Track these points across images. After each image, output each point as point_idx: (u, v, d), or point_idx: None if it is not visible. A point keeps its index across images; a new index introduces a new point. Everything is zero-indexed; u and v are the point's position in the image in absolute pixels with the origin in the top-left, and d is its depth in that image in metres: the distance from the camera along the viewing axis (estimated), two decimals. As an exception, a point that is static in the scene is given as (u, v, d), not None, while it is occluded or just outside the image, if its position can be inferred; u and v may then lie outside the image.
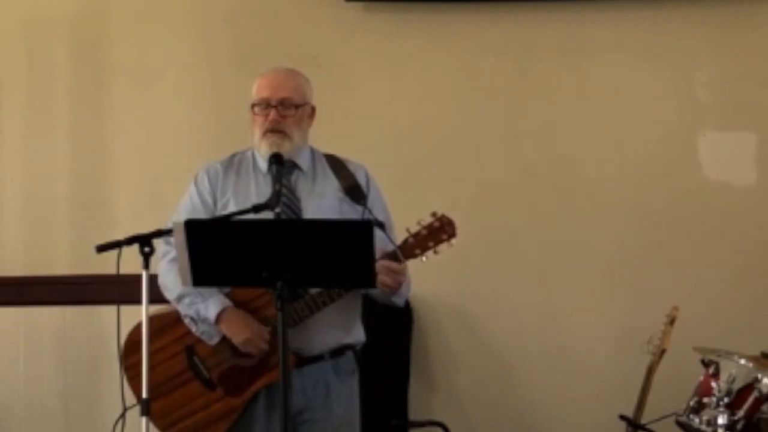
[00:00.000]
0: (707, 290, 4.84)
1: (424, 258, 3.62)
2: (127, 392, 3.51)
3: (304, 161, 3.76)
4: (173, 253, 3.62)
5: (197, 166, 3.84)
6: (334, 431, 3.69)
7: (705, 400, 3.96)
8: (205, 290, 3.61)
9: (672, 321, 4.32)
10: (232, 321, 3.62)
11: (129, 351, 3.64)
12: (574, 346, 4.90)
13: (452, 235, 3.62)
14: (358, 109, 4.97)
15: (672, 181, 4.91)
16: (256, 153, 3.76)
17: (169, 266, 3.70)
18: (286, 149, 3.67)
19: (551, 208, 4.92)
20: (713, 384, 3.96)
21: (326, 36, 4.97)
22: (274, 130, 3.67)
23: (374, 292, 3.66)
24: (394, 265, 3.56)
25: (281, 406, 3.25)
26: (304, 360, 3.63)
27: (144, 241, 3.38)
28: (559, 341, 4.91)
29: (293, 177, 3.72)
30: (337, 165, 3.79)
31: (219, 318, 3.62)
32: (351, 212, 3.69)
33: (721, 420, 3.89)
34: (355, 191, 3.72)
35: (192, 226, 3.27)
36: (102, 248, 3.43)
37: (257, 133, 3.70)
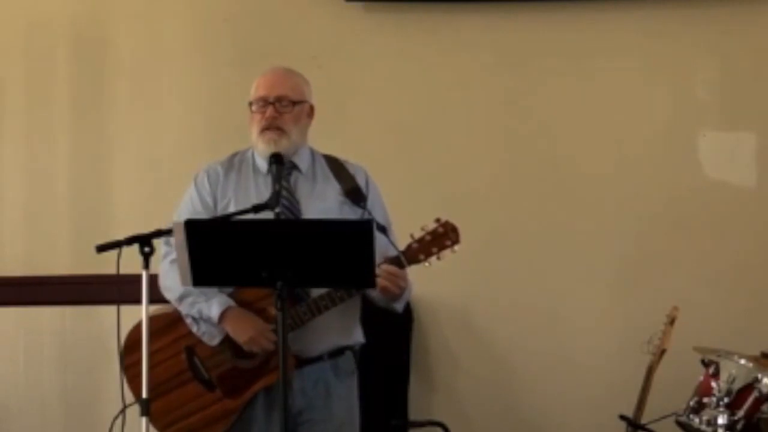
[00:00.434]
0: (707, 290, 4.84)
1: (427, 264, 3.62)
2: (126, 392, 3.51)
3: (303, 162, 3.76)
4: (174, 254, 3.62)
5: (197, 166, 3.84)
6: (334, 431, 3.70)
7: (705, 400, 3.96)
8: (207, 290, 3.61)
9: (672, 321, 4.32)
10: (236, 320, 3.62)
11: (128, 351, 3.64)
12: (574, 346, 4.90)
13: (456, 241, 3.62)
14: (358, 109, 4.96)
15: (672, 181, 4.91)
16: (255, 153, 3.76)
17: (170, 267, 3.70)
18: (283, 146, 3.67)
19: (551, 208, 4.92)
20: (713, 384, 3.96)
21: (326, 36, 4.97)
22: (271, 127, 3.67)
23: (374, 297, 3.66)
24: (395, 269, 3.56)
25: (281, 407, 3.25)
26: (303, 361, 3.63)
27: (144, 241, 3.38)
28: (559, 341, 4.91)
29: (292, 178, 3.72)
30: (336, 166, 3.78)
31: (222, 317, 3.62)
32: (351, 215, 3.69)
33: (721, 420, 3.89)
34: (355, 193, 3.72)
35: (192, 226, 3.28)
36: (102, 248, 3.43)
37: (255, 130, 3.70)
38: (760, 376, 3.89)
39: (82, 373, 5.02)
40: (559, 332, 4.91)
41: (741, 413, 3.89)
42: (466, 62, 4.95)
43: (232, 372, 3.66)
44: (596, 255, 4.91)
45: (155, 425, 3.62)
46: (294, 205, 3.67)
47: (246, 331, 3.60)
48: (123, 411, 3.47)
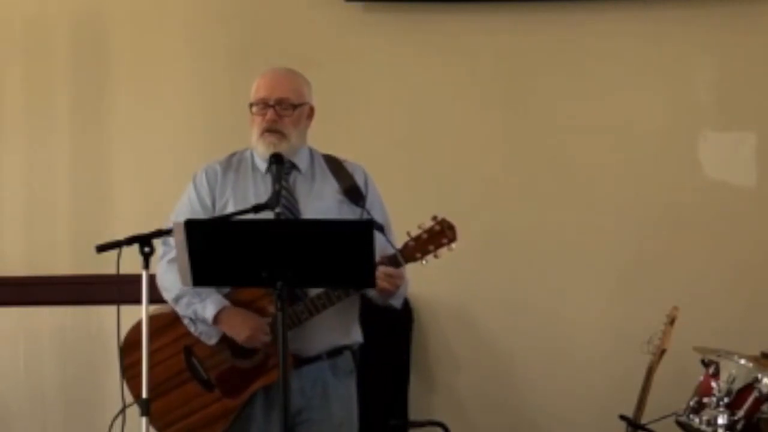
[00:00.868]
0: (707, 290, 4.84)
1: (424, 261, 3.63)
2: (126, 392, 3.51)
3: (302, 162, 3.76)
4: (172, 254, 3.62)
5: (197, 166, 3.84)
6: (333, 431, 3.69)
7: (705, 400, 3.97)
8: (202, 290, 3.60)
9: (672, 321, 4.32)
10: (231, 320, 3.62)
11: (127, 351, 3.63)
12: (574, 346, 4.90)
13: (453, 239, 3.63)
14: (358, 109, 4.96)
15: (672, 182, 4.91)
16: (254, 153, 3.76)
17: (167, 267, 3.70)
18: (283, 149, 3.67)
19: (551, 208, 4.92)
20: (713, 384, 3.96)
21: (326, 36, 4.97)
22: (272, 130, 3.67)
23: (372, 295, 3.67)
24: (391, 270, 3.56)
25: (281, 407, 3.25)
26: (302, 360, 3.63)
27: (144, 241, 3.38)
28: (559, 341, 4.91)
29: (291, 178, 3.72)
30: (335, 166, 3.78)
31: (217, 319, 3.62)
32: (350, 214, 3.69)
33: (721, 420, 3.89)
34: (353, 192, 3.72)
35: (192, 226, 3.28)
36: (102, 248, 3.43)
37: (255, 133, 3.71)
38: (760, 376, 3.89)
39: (82, 373, 5.02)
40: (560, 332, 4.91)
41: (741, 413, 3.89)
42: (466, 62, 4.95)
43: (230, 371, 3.66)
44: (596, 255, 4.91)
45: (154, 425, 3.61)
46: (293, 205, 3.67)
47: (243, 330, 3.60)
48: (123, 411, 3.47)
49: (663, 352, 4.30)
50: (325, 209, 3.67)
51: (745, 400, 3.91)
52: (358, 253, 3.24)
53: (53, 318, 5.06)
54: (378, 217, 3.67)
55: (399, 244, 3.65)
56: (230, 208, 3.65)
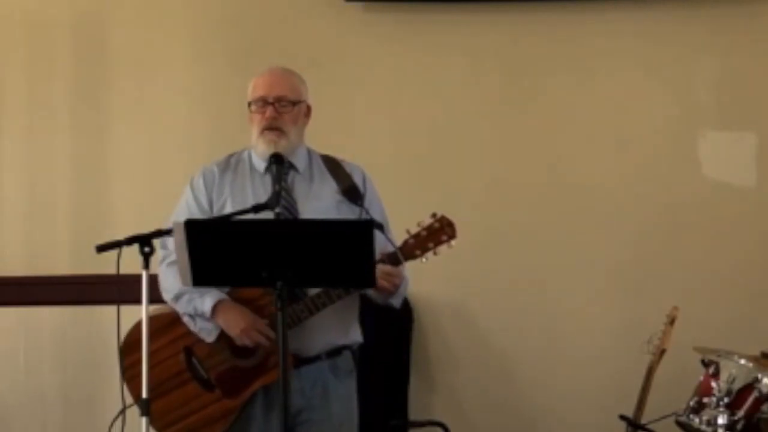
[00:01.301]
0: (707, 290, 4.84)
1: (424, 259, 3.63)
2: (126, 392, 3.51)
3: (300, 162, 3.76)
4: (171, 257, 3.63)
5: (197, 166, 3.84)
6: (333, 431, 3.70)
7: (705, 400, 3.97)
8: (203, 288, 3.61)
9: (672, 321, 4.32)
10: (228, 312, 3.62)
11: (127, 351, 3.63)
12: (574, 346, 4.90)
13: (452, 236, 3.63)
14: (358, 109, 4.97)
15: (672, 182, 4.91)
16: (252, 153, 3.76)
17: (167, 270, 3.71)
18: (282, 147, 3.68)
19: (551, 208, 4.92)
20: (713, 384, 3.96)
21: (326, 36, 4.97)
22: (272, 128, 3.68)
23: (372, 295, 3.67)
24: (390, 268, 3.56)
25: (281, 407, 3.25)
26: (302, 360, 3.63)
27: (144, 241, 3.38)
28: (559, 341, 4.91)
29: (290, 178, 3.72)
30: (333, 165, 3.79)
31: (215, 310, 3.62)
32: (349, 214, 3.69)
33: (721, 420, 3.89)
34: (352, 192, 3.72)
35: (192, 227, 3.28)
36: (102, 248, 3.43)
37: (255, 131, 3.71)
38: (760, 376, 3.89)
39: (82, 373, 5.02)
40: (559, 332, 4.91)
41: (741, 413, 3.89)
42: (466, 62, 4.95)
43: (230, 371, 3.66)
44: (596, 255, 4.91)
45: (154, 425, 3.61)
46: (291, 205, 3.67)
47: (237, 323, 3.60)
48: (123, 411, 3.47)
49: (663, 352, 4.30)
50: (324, 209, 3.67)
51: (745, 400, 3.91)
52: (358, 253, 3.24)
53: (53, 318, 5.06)
54: (376, 216, 3.67)
55: (398, 243, 3.64)
56: (228, 209, 3.66)
